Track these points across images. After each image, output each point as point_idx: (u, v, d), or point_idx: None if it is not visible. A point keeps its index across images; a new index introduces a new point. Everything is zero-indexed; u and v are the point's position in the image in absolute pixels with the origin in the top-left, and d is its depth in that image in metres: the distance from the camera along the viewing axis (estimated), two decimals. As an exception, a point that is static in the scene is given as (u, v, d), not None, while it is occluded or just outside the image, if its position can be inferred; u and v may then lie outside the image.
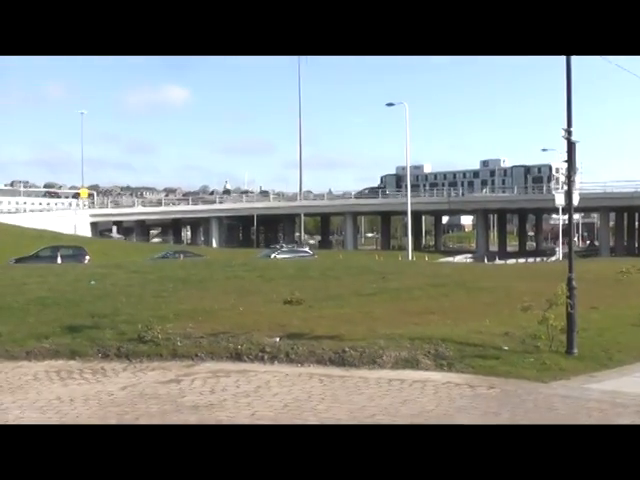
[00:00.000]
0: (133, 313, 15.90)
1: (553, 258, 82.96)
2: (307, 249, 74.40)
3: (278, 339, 13.04)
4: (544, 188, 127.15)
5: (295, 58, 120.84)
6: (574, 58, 12.68)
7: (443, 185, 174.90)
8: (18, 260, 49.92)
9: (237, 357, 12.36)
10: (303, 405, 9.46)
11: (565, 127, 12.84)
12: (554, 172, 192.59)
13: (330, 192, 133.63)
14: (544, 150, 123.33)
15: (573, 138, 12.85)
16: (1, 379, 11.34)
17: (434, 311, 16.44)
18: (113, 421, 8.73)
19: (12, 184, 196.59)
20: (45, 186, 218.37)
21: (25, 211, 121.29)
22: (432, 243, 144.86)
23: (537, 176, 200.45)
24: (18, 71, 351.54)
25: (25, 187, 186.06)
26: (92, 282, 23.92)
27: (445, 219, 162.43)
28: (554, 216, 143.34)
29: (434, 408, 9.27)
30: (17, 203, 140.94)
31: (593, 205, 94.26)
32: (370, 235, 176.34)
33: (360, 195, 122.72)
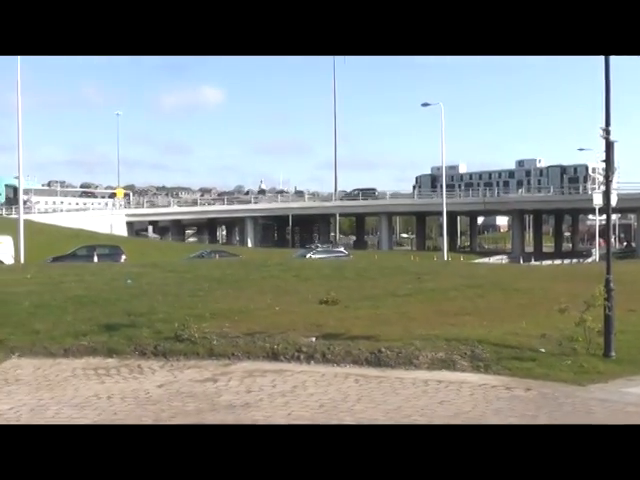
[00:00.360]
0: (169, 312, 15.97)
1: (589, 259, 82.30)
2: (342, 249, 74.38)
3: (314, 339, 13.04)
4: (580, 188, 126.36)
5: (331, 58, 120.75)
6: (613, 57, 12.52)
7: (478, 185, 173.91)
8: (55, 259, 50.36)
9: (273, 357, 12.37)
10: (339, 405, 9.46)
11: (603, 126, 12.67)
12: (590, 172, 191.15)
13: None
14: (580, 150, 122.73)
15: (611, 137, 12.69)
16: (39, 376, 11.43)
17: (470, 312, 16.37)
18: (150, 419, 8.77)
19: (49, 184, 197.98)
20: (81, 186, 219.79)
21: (62, 211, 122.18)
22: (467, 244, 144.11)
23: (573, 176, 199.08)
24: (54, 73, 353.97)
25: (62, 187, 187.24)
26: (128, 281, 24.03)
27: (480, 220, 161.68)
28: (590, 217, 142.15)
29: (470, 410, 9.23)
30: (54, 203, 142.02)
31: (631, 206, 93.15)
32: (405, 235, 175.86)
33: (395, 195, 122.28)
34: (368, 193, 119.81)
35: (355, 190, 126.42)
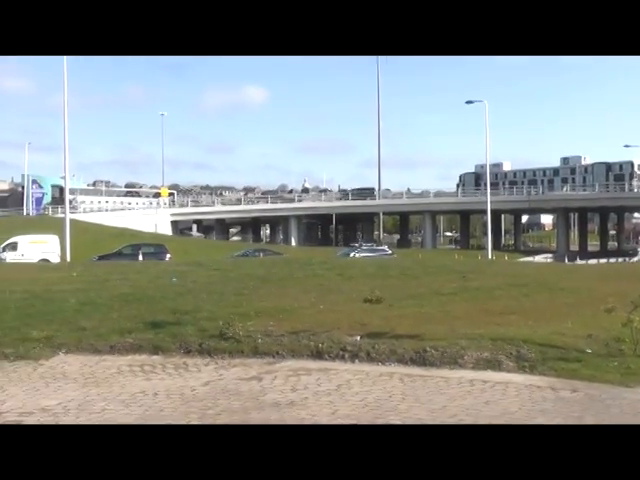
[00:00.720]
0: (214, 310, 16.05)
1: (635, 258, 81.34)
2: (386, 248, 74.38)
3: (359, 338, 13.02)
4: (626, 186, 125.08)
5: (374, 57, 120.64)
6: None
7: (522, 183, 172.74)
8: (101, 257, 50.94)
9: (318, 355, 12.36)
10: (384, 404, 9.43)
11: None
12: (636, 169, 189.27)
13: (409, 191, 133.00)
14: (626, 146, 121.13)
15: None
16: (86, 372, 11.53)
17: (515, 311, 16.25)
18: (196, 416, 8.81)
19: (94, 184, 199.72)
20: (126, 186, 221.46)
21: (107, 210, 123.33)
22: (512, 242, 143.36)
23: (619, 173, 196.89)
24: (100, 75, 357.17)
25: (107, 187, 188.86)
26: (173, 279, 24.21)
27: (525, 218, 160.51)
28: (636, 215, 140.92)
29: (516, 410, 9.15)
30: (99, 202, 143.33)
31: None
32: (449, 234, 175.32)
33: (439, 194, 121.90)
34: (366, 193, 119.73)
35: (354, 190, 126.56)
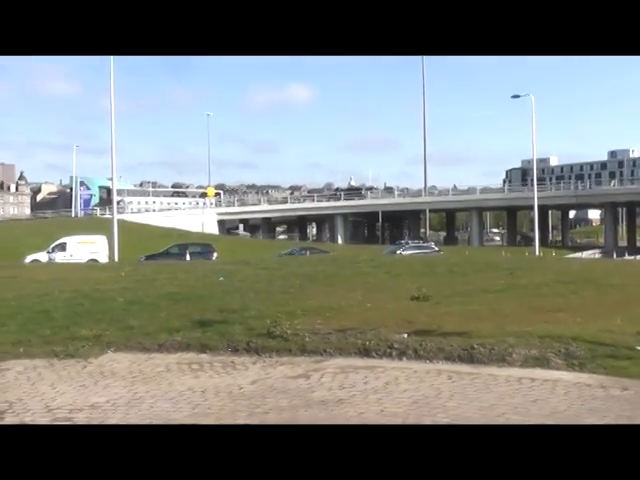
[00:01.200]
0: (261, 309, 16.09)
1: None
2: (433, 245, 74.23)
3: (406, 335, 12.98)
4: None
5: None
6: None
7: (569, 178, 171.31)
8: (148, 257, 51.37)
9: (365, 353, 12.32)
10: (432, 402, 9.39)
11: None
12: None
13: (455, 187, 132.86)
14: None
15: None
16: (134, 370, 11.61)
17: (563, 308, 16.09)
18: (244, 414, 8.85)
19: (141, 185, 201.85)
20: (173, 186, 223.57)
21: (154, 210, 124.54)
22: (559, 238, 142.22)
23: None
24: (146, 76, 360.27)
25: (153, 187, 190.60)
26: (220, 278, 24.33)
27: (572, 213, 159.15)
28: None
29: (566, 409, 9.06)
30: (146, 203, 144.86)
31: None
32: (495, 230, 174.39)
33: (485, 190, 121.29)
34: (355, 193, 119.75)
35: (347, 189, 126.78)
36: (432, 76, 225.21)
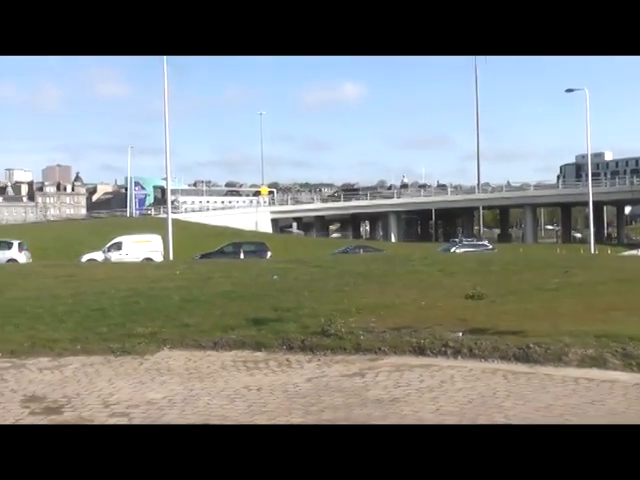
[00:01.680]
0: (316, 307, 16.10)
1: None
2: (487, 243, 73.84)
3: (461, 334, 12.91)
4: None
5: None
6: None
7: (625, 173, 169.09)
8: (203, 256, 51.68)
9: (420, 351, 12.27)
10: (488, 401, 9.32)
11: None
12: None
13: (508, 184, 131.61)
14: None
15: None
16: (190, 367, 11.69)
17: (620, 307, 15.85)
18: (299, 412, 8.86)
19: (195, 184, 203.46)
20: (226, 185, 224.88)
21: (208, 209, 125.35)
22: (614, 235, 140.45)
23: None
24: (200, 77, 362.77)
25: (207, 187, 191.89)
26: (275, 277, 24.37)
27: (627, 209, 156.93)
28: None
29: (624, 410, 8.93)
30: (200, 202, 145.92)
31: None
32: (550, 227, 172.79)
33: (539, 186, 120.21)
34: (350, 194, 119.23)
35: (341, 191, 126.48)
36: (486, 70, 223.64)
